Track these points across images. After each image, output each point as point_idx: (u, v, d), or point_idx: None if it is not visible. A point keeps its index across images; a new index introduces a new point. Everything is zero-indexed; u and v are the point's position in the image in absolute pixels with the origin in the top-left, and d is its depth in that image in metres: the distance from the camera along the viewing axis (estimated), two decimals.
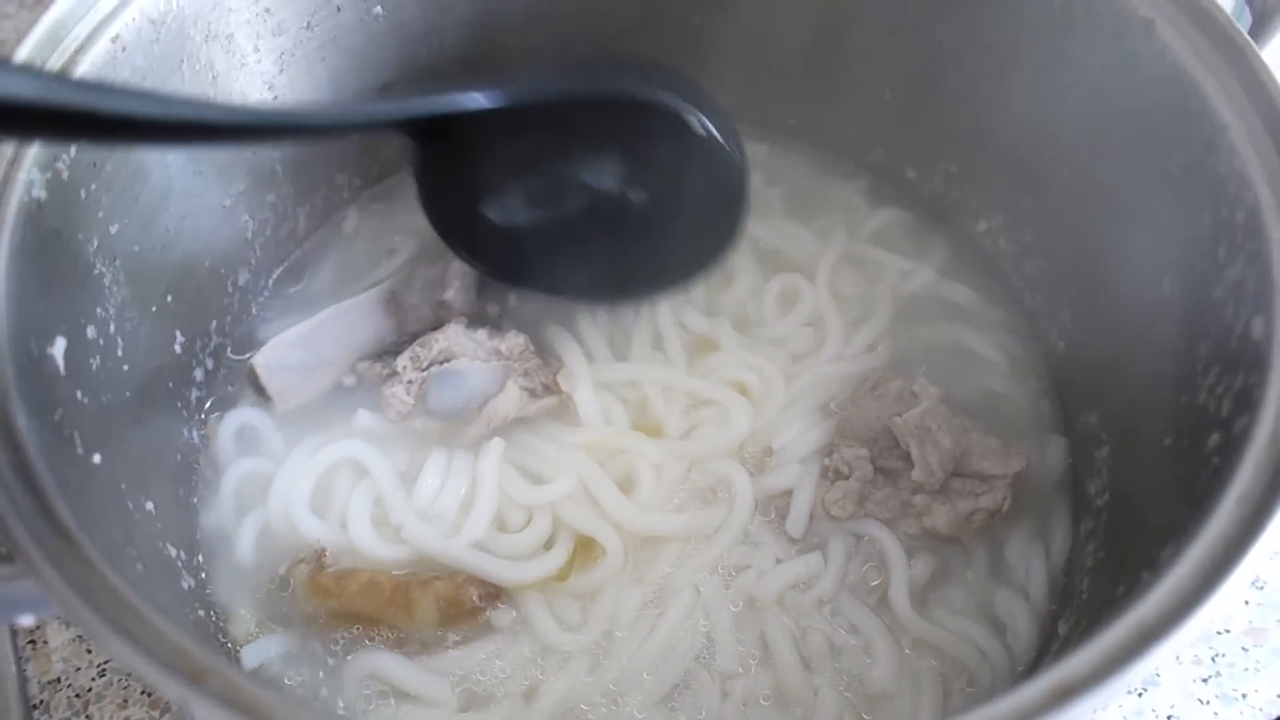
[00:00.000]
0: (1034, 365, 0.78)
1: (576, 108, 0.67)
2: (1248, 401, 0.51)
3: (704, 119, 0.68)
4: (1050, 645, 0.65)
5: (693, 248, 0.75)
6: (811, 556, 0.69)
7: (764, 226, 0.84)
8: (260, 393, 0.74)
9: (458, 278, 0.76)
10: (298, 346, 0.74)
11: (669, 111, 0.67)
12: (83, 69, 0.59)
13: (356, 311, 0.76)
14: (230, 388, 0.77)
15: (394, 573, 0.68)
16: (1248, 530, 0.46)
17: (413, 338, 0.75)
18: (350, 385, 0.76)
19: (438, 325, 0.75)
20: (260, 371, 0.73)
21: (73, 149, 0.59)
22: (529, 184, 0.70)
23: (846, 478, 0.69)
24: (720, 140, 0.68)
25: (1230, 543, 0.46)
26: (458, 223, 0.73)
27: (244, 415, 0.75)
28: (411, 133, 0.66)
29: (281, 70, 0.73)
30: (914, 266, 0.82)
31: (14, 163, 0.56)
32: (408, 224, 0.84)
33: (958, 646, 0.66)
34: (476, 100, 0.64)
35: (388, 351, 0.76)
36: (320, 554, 0.69)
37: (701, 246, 0.75)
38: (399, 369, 0.73)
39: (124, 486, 0.60)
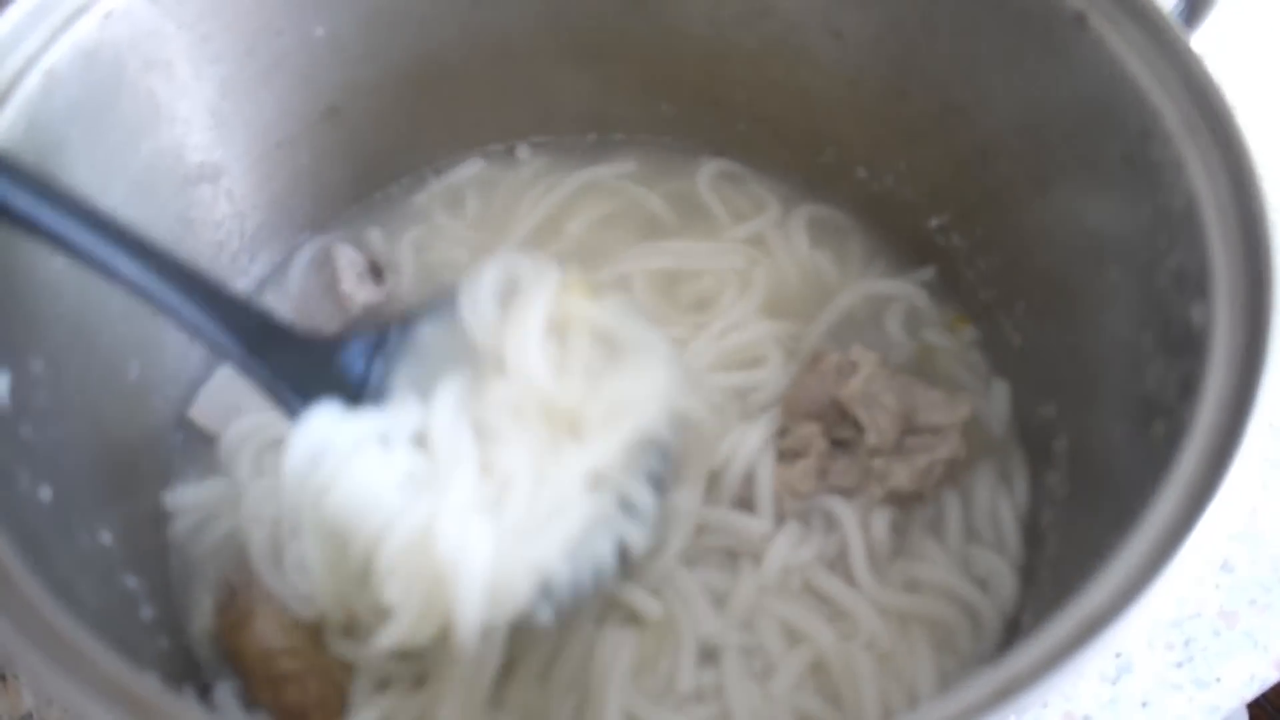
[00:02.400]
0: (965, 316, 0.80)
1: None
2: (1189, 388, 0.51)
3: None
4: (1031, 595, 0.67)
5: None
6: (782, 538, 0.69)
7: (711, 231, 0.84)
8: (206, 437, 0.75)
9: (348, 268, 0.77)
10: (225, 389, 0.76)
11: None
12: (14, 104, 0.59)
13: None
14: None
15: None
16: (1189, 517, 0.46)
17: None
18: None
19: (348, 321, 0.77)
20: (199, 420, 0.76)
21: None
22: None
23: (804, 456, 0.71)
24: None
25: (1173, 530, 0.46)
26: None
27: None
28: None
29: (224, 96, 0.72)
30: (863, 265, 0.82)
31: None
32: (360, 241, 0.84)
33: (933, 607, 0.68)
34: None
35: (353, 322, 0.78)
36: (230, 591, 0.68)
37: None
38: None
39: (75, 518, 0.59)
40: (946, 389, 0.73)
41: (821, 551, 0.69)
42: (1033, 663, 0.43)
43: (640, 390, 0.61)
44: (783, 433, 0.72)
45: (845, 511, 0.69)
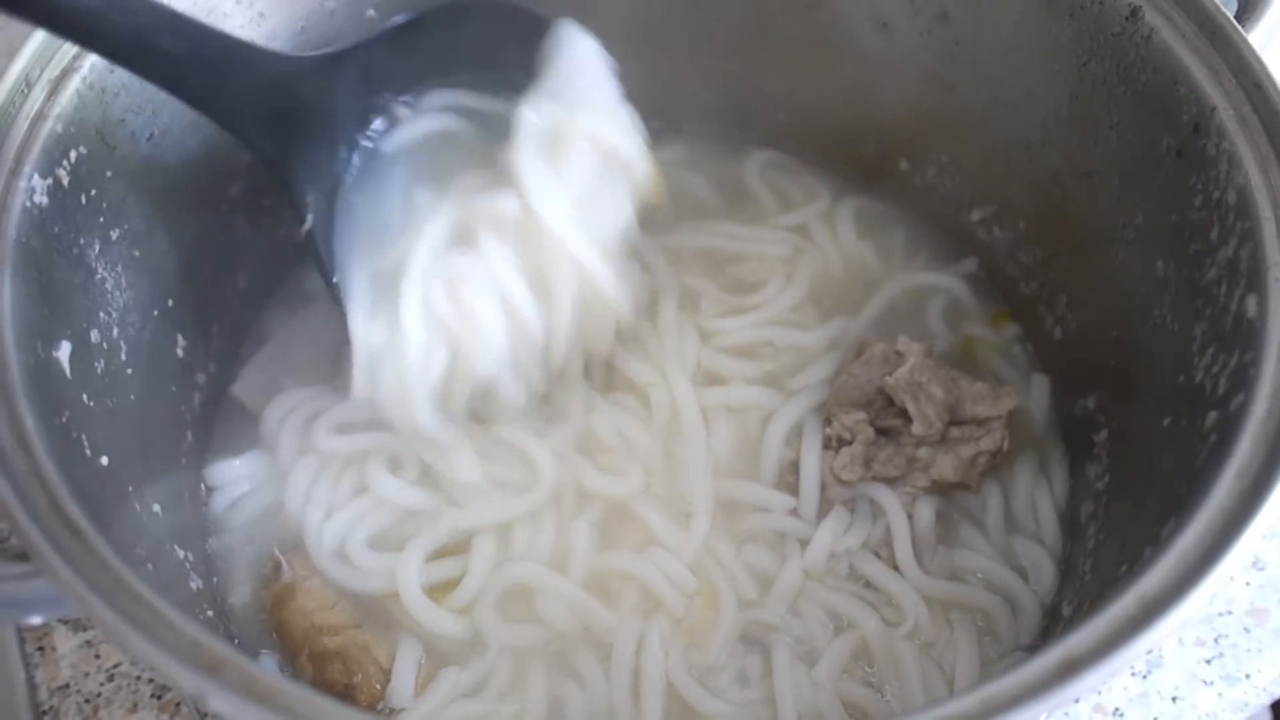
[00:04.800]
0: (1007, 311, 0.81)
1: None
2: (1244, 379, 0.51)
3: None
4: (1070, 585, 0.68)
5: None
6: (827, 524, 0.70)
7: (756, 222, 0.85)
8: (249, 413, 0.76)
9: None
10: (267, 368, 0.77)
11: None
12: (81, 76, 0.59)
13: (312, 326, 0.78)
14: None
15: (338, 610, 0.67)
16: (1247, 504, 0.46)
17: None
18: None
19: None
20: (241, 397, 0.76)
21: (72, 155, 0.59)
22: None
23: (850, 443, 0.71)
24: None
25: (1230, 517, 0.46)
26: None
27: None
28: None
29: None
30: (906, 257, 0.83)
31: (14, 171, 0.56)
32: None
33: (975, 596, 0.68)
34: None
35: None
36: (276, 565, 0.68)
37: None
38: None
39: (131, 489, 0.60)
40: (990, 381, 0.74)
41: (867, 538, 0.70)
42: (1091, 645, 0.43)
43: None
44: (828, 420, 0.73)
45: (890, 500, 0.70)
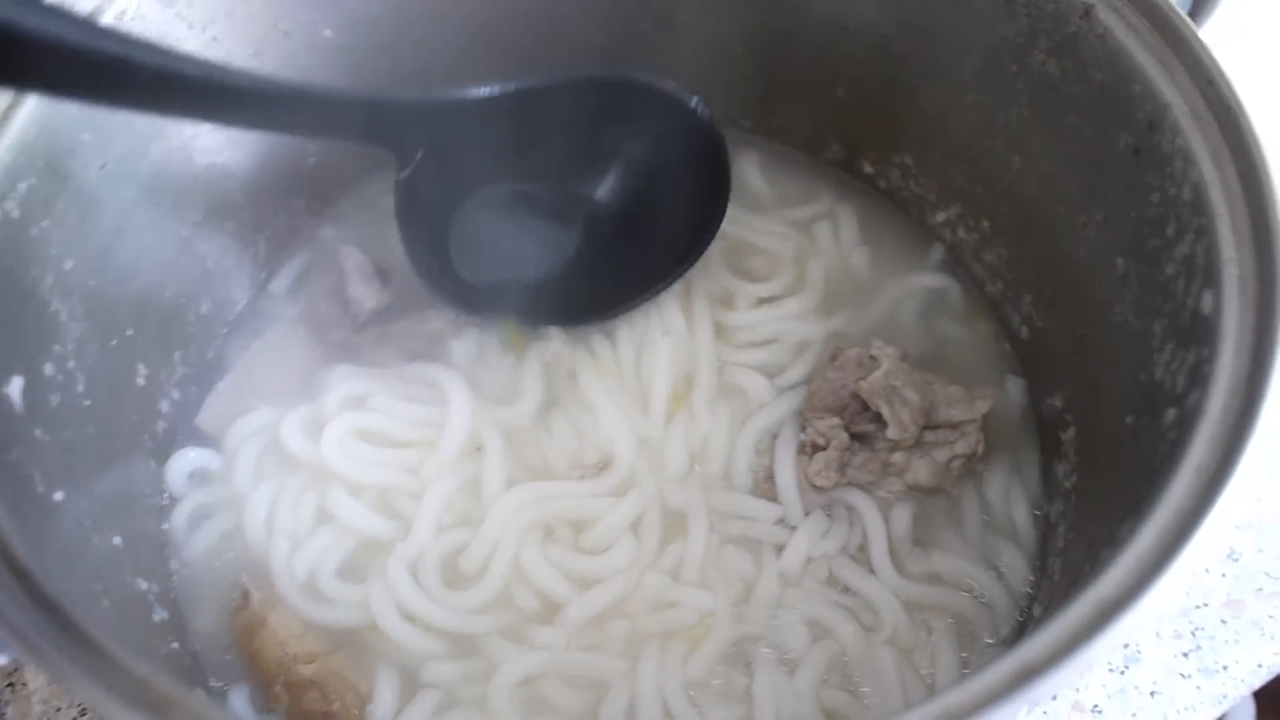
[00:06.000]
0: (982, 309, 0.80)
1: (558, 102, 0.69)
2: (1200, 376, 0.51)
3: (679, 91, 0.71)
4: (1043, 585, 0.68)
5: (678, 240, 0.75)
6: (804, 529, 0.69)
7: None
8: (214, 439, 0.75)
9: (355, 273, 0.78)
10: (231, 396, 0.76)
11: (647, 88, 0.70)
12: (27, 108, 0.59)
13: (273, 350, 0.78)
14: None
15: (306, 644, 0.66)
16: (1203, 503, 0.46)
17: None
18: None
19: (359, 324, 0.78)
20: (205, 427, 0.75)
21: (21, 186, 0.58)
22: (512, 203, 0.72)
23: (824, 448, 0.71)
24: (697, 110, 0.71)
25: (1186, 516, 0.46)
26: (439, 261, 0.74)
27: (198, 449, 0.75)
28: (402, 144, 0.67)
29: None
30: (875, 260, 0.82)
31: None
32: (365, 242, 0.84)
33: (953, 599, 0.68)
34: (477, 92, 0.66)
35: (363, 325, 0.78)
36: (244, 593, 0.68)
37: (686, 236, 0.75)
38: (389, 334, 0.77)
39: (89, 523, 0.59)
40: (965, 384, 0.74)
41: (845, 543, 0.69)
42: (1047, 650, 0.43)
43: None
44: (803, 426, 0.73)
45: (866, 504, 0.70)
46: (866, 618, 0.68)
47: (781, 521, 0.70)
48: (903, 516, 0.70)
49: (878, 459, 0.71)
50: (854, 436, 0.72)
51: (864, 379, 0.71)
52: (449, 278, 0.75)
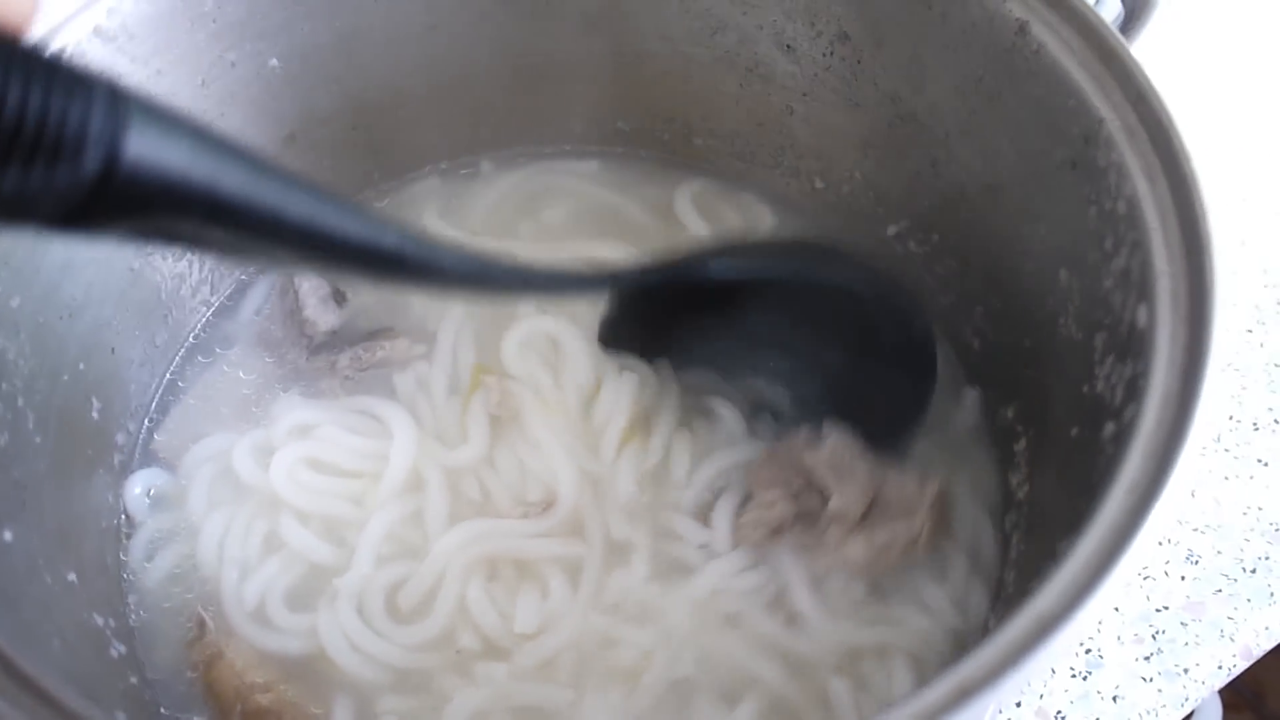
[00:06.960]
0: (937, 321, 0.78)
1: (780, 287, 0.68)
2: (1135, 390, 0.52)
3: (903, 298, 0.70)
4: (998, 599, 0.67)
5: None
6: (727, 558, 0.69)
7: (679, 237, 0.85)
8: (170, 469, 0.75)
9: (311, 296, 0.78)
10: (187, 421, 0.76)
11: (876, 297, 0.68)
12: None
13: (228, 375, 0.78)
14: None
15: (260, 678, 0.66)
16: (1135, 518, 0.47)
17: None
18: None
19: (314, 345, 0.77)
20: (163, 454, 0.76)
21: None
22: (715, 345, 0.74)
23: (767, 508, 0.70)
24: (914, 317, 0.70)
25: (1119, 532, 0.47)
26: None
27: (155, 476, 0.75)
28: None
29: None
30: None
31: None
32: None
33: (902, 622, 0.67)
34: (701, 270, 0.65)
35: (318, 349, 0.78)
36: (200, 623, 0.68)
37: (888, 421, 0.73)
38: (337, 363, 0.77)
39: (40, 561, 0.59)
40: (918, 467, 0.72)
41: (762, 585, 0.68)
42: (986, 667, 0.44)
43: None
44: (744, 501, 0.71)
45: (793, 560, 0.69)
46: (794, 658, 0.66)
47: (706, 547, 0.70)
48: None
49: (814, 531, 0.69)
50: (798, 516, 0.70)
51: (812, 453, 0.70)
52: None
